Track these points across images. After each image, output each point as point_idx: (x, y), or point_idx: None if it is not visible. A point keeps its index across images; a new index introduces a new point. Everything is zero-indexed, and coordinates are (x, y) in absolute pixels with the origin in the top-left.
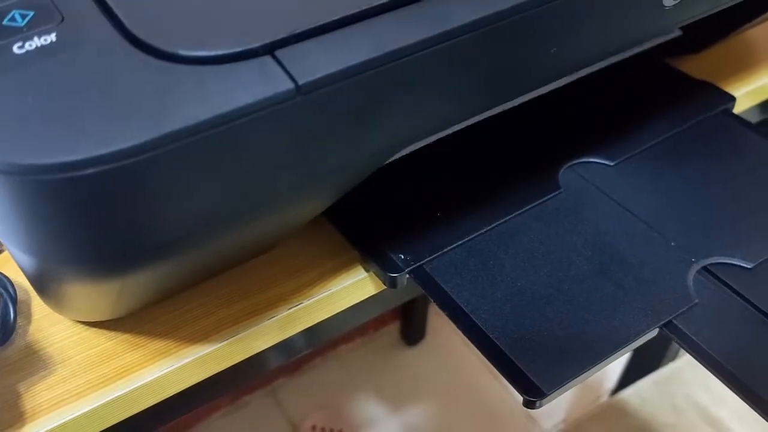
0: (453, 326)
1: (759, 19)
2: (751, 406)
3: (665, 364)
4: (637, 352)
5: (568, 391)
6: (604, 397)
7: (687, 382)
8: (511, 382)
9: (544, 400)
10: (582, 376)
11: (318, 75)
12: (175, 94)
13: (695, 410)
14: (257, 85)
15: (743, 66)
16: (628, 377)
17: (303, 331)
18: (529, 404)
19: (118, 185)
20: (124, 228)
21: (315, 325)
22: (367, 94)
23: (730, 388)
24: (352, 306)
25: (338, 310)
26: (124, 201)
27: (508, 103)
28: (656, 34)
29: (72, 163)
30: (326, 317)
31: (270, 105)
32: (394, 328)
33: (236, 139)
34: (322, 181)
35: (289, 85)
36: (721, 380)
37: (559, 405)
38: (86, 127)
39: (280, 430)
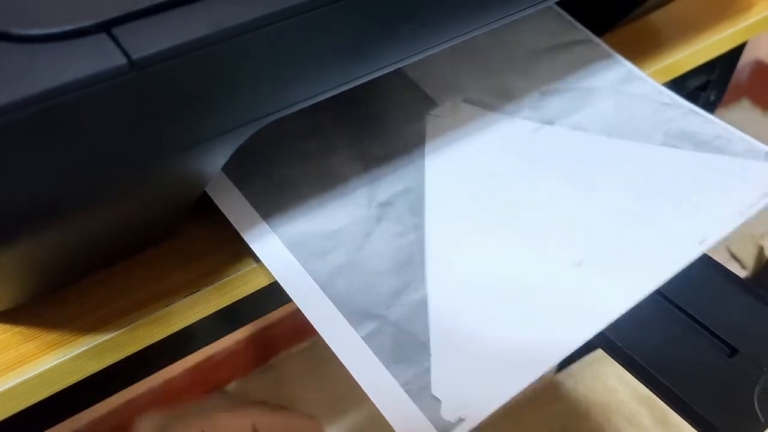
0: None
1: (655, 2)
2: None
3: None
4: None
5: None
6: None
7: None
8: None
9: None
10: None
11: (152, 50)
12: (5, 71)
13: (626, 389)
14: (90, 60)
15: (651, 45)
16: (566, 361)
17: (209, 318)
18: None
19: None
20: None
21: (221, 311)
22: (203, 71)
23: None
24: (258, 291)
25: (241, 296)
26: None
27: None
28: (520, 9)
29: None
30: (230, 302)
31: (103, 80)
32: None
33: (72, 114)
34: (172, 159)
35: (122, 60)
36: None
37: None
38: None
39: None
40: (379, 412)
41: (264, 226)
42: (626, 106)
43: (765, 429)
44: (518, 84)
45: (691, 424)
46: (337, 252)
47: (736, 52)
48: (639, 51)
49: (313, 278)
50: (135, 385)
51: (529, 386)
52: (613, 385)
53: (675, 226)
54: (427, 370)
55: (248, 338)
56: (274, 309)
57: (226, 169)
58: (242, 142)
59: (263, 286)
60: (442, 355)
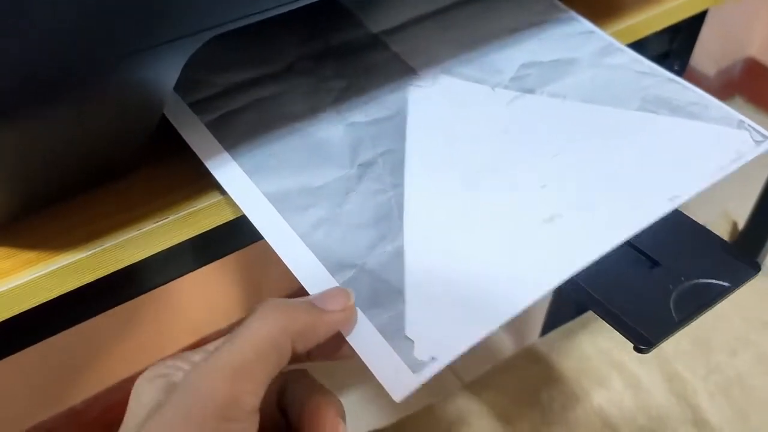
0: None
1: None
2: None
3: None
4: (552, 308)
5: (492, 347)
6: None
7: (593, 331)
8: None
9: None
10: None
11: None
12: None
13: (600, 356)
14: None
15: (609, 8)
16: (548, 326)
17: (180, 249)
18: None
19: None
20: None
21: (192, 242)
22: None
23: None
24: (229, 227)
25: (211, 226)
26: None
27: None
28: None
29: None
30: (199, 232)
31: None
32: None
33: (24, 6)
34: (120, 63)
35: None
36: None
37: (483, 361)
38: None
39: None
40: (373, 392)
41: (250, 184)
42: (605, 75)
43: (678, 328)
44: (499, 57)
45: (616, 329)
46: (318, 207)
47: (698, 20)
48: (596, 14)
49: (294, 230)
50: (129, 365)
51: (504, 353)
52: (587, 352)
53: (647, 183)
54: (402, 314)
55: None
56: (244, 246)
57: (213, 129)
58: (188, 54)
59: (231, 218)
60: (416, 300)
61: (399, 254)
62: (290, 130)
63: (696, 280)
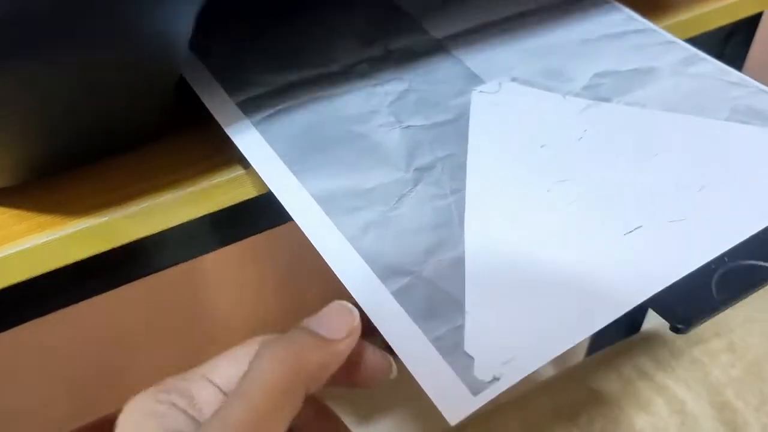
0: None
1: None
2: None
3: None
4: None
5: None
6: None
7: (635, 354)
8: None
9: None
10: None
11: None
12: None
13: (642, 379)
14: None
15: (659, 4)
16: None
17: (200, 224)
18: None
19: None
20: None
21: (211, 219)
22: None
23: None
24: (250, 206)
25: (229, 203)
26: None
27: None
28: None
29: None
30: (217, 208)
31: None
32: None
33: None
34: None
35: None
36: None
37: (521, 381)
38: None
39: None
40: (403, 416)
41: (295, 182)
42: (688, 84)
43: (719, 309)
44: (570, 66)
45: (652, 308)
46: (368, 210)
47: (752, 25)
48: (642, 8)
49: (342, 232)
50: (142, 380)
51: (544, 374)
52: (628, 374)
53: (741, 195)
54: (461, 328)
55: None
56: (266, 229)
57: (261, 127)
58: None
59: (255, 195)
60: (477, 313)
61: (459, 263)
62: (342, 131)
63: (740, 261)
